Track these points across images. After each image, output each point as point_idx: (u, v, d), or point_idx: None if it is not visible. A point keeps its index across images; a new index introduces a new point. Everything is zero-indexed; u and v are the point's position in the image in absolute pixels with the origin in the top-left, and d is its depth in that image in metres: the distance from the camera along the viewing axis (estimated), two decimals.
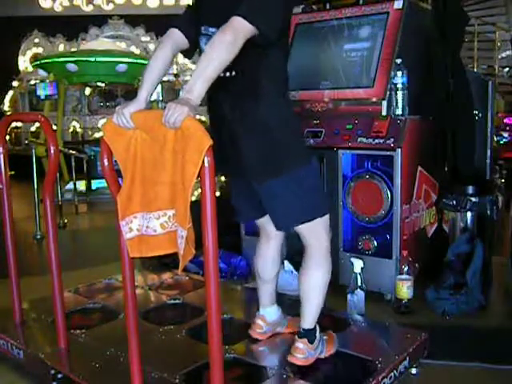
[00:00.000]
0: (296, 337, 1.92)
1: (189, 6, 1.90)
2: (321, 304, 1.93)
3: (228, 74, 1.69)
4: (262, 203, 1.87)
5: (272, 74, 1.75)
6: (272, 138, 1.74)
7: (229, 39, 1.54)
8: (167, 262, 3.19)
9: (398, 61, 2.77)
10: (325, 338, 2.00)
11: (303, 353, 1.89)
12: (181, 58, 11.22)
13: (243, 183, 1.90)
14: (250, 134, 1.73)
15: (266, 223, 2.01)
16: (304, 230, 1.88)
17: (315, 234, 1.89)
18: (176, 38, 1.79)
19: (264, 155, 1.74)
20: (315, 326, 1.94)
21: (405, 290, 2.65)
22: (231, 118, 1.75)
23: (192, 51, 1.86)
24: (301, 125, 1.83)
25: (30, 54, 11.97)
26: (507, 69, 9.24)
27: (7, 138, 2.87)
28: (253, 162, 1.75)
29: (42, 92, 7.75)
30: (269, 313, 2.13)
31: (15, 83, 11.70)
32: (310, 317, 1.92)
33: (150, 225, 1.58)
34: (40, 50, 11.89)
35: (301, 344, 1.90)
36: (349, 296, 2.61)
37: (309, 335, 1.90)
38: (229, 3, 1.65)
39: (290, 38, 2.12)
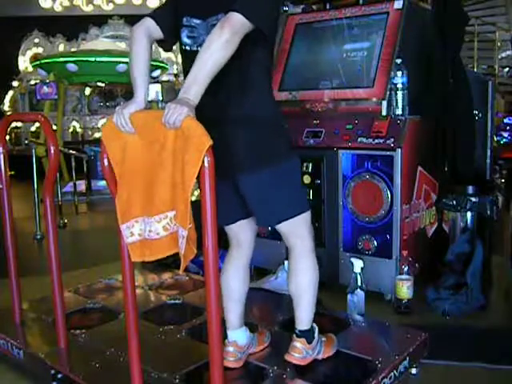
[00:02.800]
0: (294, 336, 1.92)
1: None
2: (314, 304, 1.90)
3: None
4: (247, 199, 1.80)
5: (259, 67, 1.72)
6: (261, 130, 1.71)
7: (227, 37, 1.50)
8: (167, 262, 3.19)
9: (398, 61, 2.77)
10: (323, 339, 1.99)
11: (300, 352, 1.88)
12: (180, 58, 11.23)
13: (222, 184, 1.74)
14: (239, 126, 1.69)
15: (238, 231, 1.94)
16: (286, 228, 1.84)
17: (297, 232, 1.85)
18: (148, 25, 1.73)
19: (253, 147, 1.70)
20: (312, 326, 1.93)
21: (405, 290, 2.64)
22: (219, 112, 1.69)
23: (170, 42, 1.82)
24: (284, 119, 1.82)
25: (29, 53, 11.99)
26: (507, 69, 9.24)
27: (7, 137, 2.87)
28: (241, 155, 1.71)
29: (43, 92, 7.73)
30: (240, 337, 1.96)
31: (15, 83, 11.71)
32: (304, 318, 1.90)
33: (153, 228, 1.57)
34: (40, 49, 11.91)
35: (298, 343, 1.89)
36: (349, 296, 2.61)
37: (306, 335, 1.89)
38: None
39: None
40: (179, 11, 1.75)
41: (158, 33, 1.75)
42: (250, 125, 1.70)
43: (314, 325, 1.94)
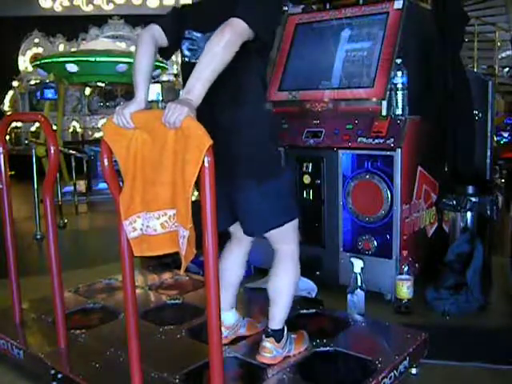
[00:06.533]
0: (263, 336, 1.95)
1: (174, 8, 1.92)
2: (289, 305, 1.95)
3: None
4: (236, 208, 1.85)
5: (254, 77, 1.76)
6: (255, 142, 1.74)
7: (228, 39, 1.53)
8: (167, 262, 3.19)
9: (398, 61, 2.77)
10: (293, 336, 2.02)
11: (270, 352, 1.92)
12: (180, 69, 11.25)
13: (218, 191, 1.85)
14: (235, 138, 1.73)
15: (238, 230, 2.00)
16: (273, 234, 1.89)
17: (284, 238, 1.90)
18: (154, 32, 1.79)
19: (248, 160, 1.74)
20: (283, 326, 1.96)
21: (405, 290, 2.65)
22: (214, 121, 1.68)
23: (170, 52, 1.87)
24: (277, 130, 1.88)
25: (29, 53, 12.00)
26: (507, 69, 9.25)
27: (7, 137, 2.87)
28: (237, 167, 1.74)
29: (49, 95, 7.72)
30: (227, 318, 2.07)
31: (15, 83, 11.72)
32: (277, 318, 1.94)
33: (150, 224, 1.59)
34: (40, 49, 11.92)
35: (268, 343, 1.92)
36: (349, 296, 2.61)
37: (276, 335, 1.93)
38: (217, 10, 1.66)
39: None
40: (182, 24, 1.81)
41: (163, 40, 1.81)
42: (244, 136, 1.73)
43: (283, 324, 1.97)
